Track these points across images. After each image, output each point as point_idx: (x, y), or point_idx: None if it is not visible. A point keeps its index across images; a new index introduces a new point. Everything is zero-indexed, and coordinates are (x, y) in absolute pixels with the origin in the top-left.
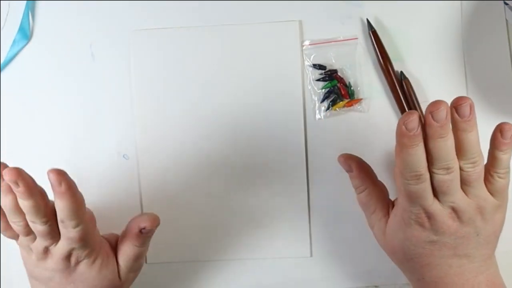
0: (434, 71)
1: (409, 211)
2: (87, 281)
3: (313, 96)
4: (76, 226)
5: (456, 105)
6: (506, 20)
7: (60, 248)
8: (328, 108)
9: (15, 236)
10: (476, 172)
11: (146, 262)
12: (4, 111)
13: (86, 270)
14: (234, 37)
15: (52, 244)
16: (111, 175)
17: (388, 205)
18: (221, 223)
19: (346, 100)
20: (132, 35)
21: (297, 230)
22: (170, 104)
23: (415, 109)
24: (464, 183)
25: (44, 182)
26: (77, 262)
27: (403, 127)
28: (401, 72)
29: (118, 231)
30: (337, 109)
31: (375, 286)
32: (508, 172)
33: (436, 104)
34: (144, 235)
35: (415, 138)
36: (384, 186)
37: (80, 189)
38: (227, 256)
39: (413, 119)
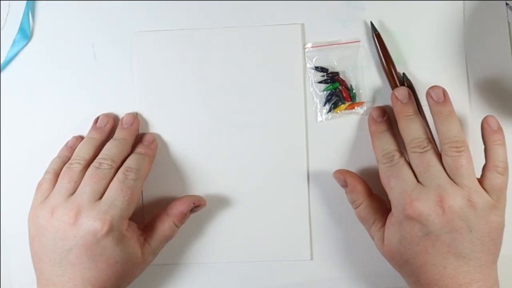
0: (436, 73)
1: (396, 204)
2: (108, 257)
3: (315, 99)
4: (135, 179)
5: (429, 90)
6: (508, 22)
7: (98, 207)
8: (329, 111)
9: (47, 193)
10: (463, 157)
11: None
12: (4, 111)
13: (110, 246)
14: (237, 39)
15: (90, 200)
16: None
17: (385, 215)
18: (221, 225)
19: (348, 103)
20: (134, 36)
21: (297, 232)
22: (172, 106)
23: (419, 111)
24: (452, 172)
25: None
26: (105, 233)
27: (370, 117)
28: (403, 74)
29: None
30: (338, 111)
31: None
32: (507, 170)
33: (398, 88)
34: (189, 215)
35: (381, 124)
36: (381, 198)
37: None
38: (227, 258)
39: (378, 110)
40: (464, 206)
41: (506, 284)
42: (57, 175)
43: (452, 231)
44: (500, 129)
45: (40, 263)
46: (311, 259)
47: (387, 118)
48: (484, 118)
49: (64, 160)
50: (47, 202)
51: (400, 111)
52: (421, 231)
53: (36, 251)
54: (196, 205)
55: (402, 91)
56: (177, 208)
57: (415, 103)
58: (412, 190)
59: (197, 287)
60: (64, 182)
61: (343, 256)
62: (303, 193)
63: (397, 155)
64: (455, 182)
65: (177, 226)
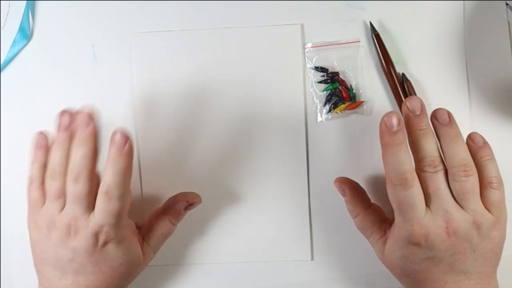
0: (435, 73)
1: (403, 228)
2: (111, 261)
3: (315, 99)
4: (120, 197)
5: (434, 112)
6: (508, 22)
7: (92, 222)
8: (329, 111)
9: (41, 202)
10: (470, 182)
11: None
12: (4, 111)
13: (112, 250)
14: (237, 40)
15: (83, 213)
16: None
17: (384, 226)
18: (221, 226)
19: (348, 103)
20: (134, 37)
21: (298, 233)
22: (171, 107)
23: None
24: (459, 197)
25: None
26: (105, 242)
27: (383, 125)
28: (403, 74)
29: None
30: (338, 111)
31: None
32: (501, 183)
33: (410, 99)
34: (185, 212)
35: (396, 134)
36: (379, 208)
37: None
38: (227, 259)
39: (393, 116)
40: (469, 229)
41: (506, 284)
42: (42, 181)
43: (456, 253)
44: (486, 143)
45: (43, 266)
46: (311, 259)
47: (401, 126)
48: (468, 135)
49: (43, 164)
50: (45, 209)
51: (412, 124)
52: (425, 254)
53: (38, 256)
54: (190, 203)
55: (414, 102)
56: (172, 206)
57: (427, 115)
58: (421, 218)
59: (198, 287)
60: (55, 196)
61: (343, 256)
62: (303, 193)
63: (410, 177)
64: (461, 206)
65: (174, 224)
